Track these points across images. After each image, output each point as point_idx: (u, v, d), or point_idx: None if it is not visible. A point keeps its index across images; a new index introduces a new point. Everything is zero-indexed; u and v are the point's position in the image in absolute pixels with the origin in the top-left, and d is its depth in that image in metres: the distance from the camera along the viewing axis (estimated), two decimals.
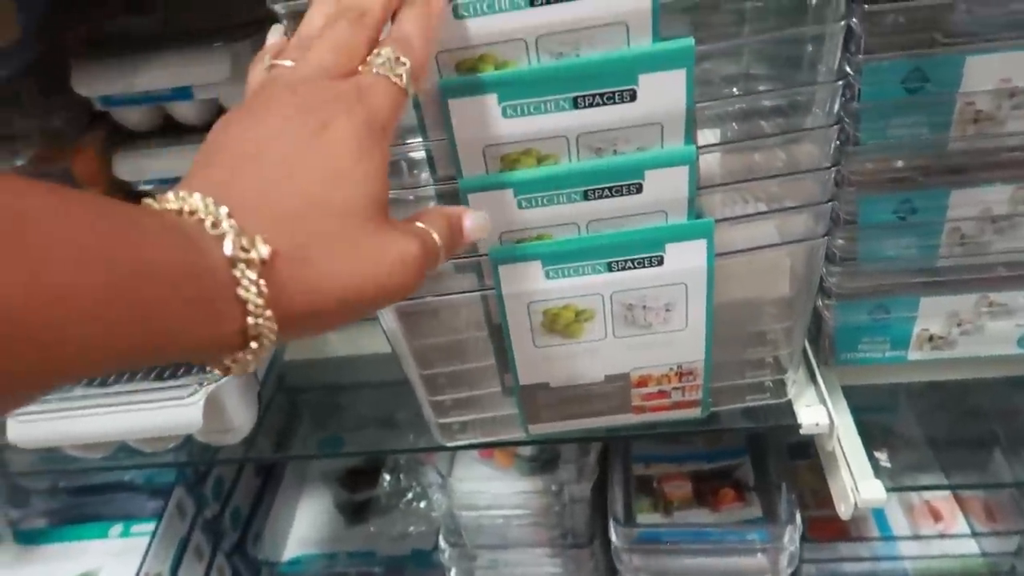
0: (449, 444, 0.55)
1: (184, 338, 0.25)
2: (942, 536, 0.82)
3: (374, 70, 0.31)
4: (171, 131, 0.70)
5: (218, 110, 0.68)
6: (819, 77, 0.42)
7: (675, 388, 0.51)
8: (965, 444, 0.69)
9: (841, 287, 0.58)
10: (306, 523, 1.01)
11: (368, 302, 0.29)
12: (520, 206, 0.42)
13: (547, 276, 0.44)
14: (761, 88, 0.46)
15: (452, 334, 0.50)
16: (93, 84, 0.65)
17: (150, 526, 0.84)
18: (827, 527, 0.83)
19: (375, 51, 0.32)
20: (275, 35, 0.38)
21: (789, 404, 0.54)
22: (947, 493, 0.87)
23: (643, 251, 0.43)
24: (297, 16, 0.39)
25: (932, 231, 0.57)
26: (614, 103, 0.39)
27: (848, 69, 0.48)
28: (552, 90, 0.39)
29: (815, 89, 0.42)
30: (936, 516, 0.86)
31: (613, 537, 0.70)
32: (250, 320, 0.26)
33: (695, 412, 0.53)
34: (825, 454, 0.57)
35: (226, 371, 0.28)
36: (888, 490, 0.54)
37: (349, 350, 0.71)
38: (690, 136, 0.41)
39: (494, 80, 0.38)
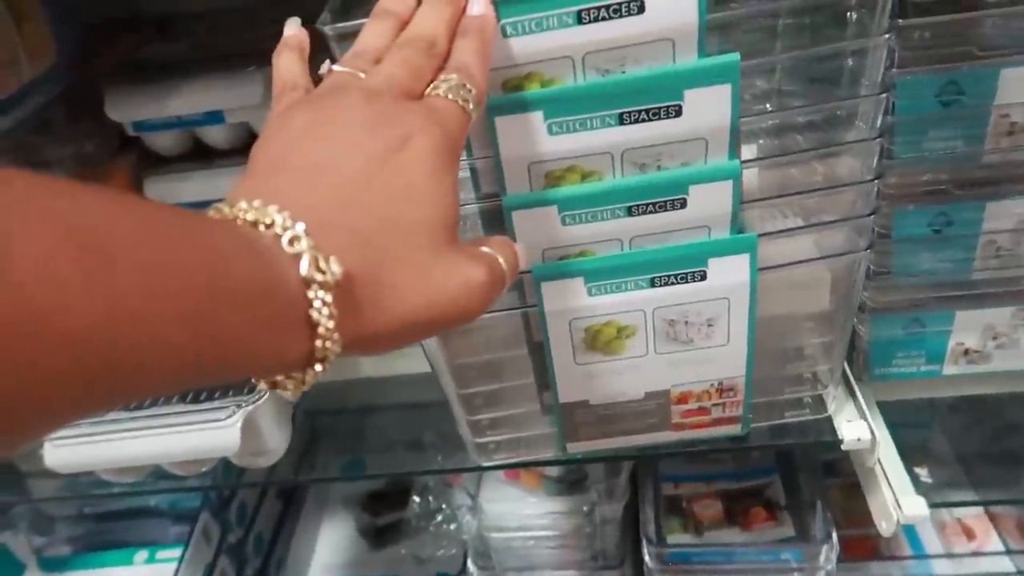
0: (486, 464, 0.55)
1: (250, 358, 0.24)
2: (976, 554, 0.81)
3: (443, 94, 0.31)
4: (201, 155, 0.71)
5: (249, 134, 0.69)
6: (861, 91, 0.42)
7: (715, 404, 0.51)
8: (1002, 460, 0.68)
9: (875, 301, 0.58)
10: (329, 548, 1.00)
11: (434, 325, 0.29)
12: (564, 223, 0.42)
13: (589, 293, 0.44)
14: (797, 103, 0.46)
15: (491, 352, 0.49)
16: (126, 109, 0.66)
17: (176, 552, 0.83)
18: (858, 546, 0.82)
19: (442, 77, 0.32)
20: (292, 28, 0.38)
21: (828, 420, 0.54)
22: (980, 511, 0.86)
23: (686, 266, 0.43)
24: (347, 38, 0.39)
25: (967, 244, 0.56)
26: (659, 119, 0.39)
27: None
28: (598, 107, 0.39)
29: (858, 103, 0.42)
30: (969, 534, 0.85)
31: (646, 558, 0.69)
32: (318, 343, 0.25)
33: (735, 429, 0.53)
34: (864, 471, 0.57)
35: (274, 387, 0.27)
36: (930, 506, 0.54)
37: (372, 372, 0.71)
38: (734, 151, 0.41)
39: (540, 98, 0.39)
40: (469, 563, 0.79)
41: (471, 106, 0.32)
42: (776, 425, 0.54)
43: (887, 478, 0.55)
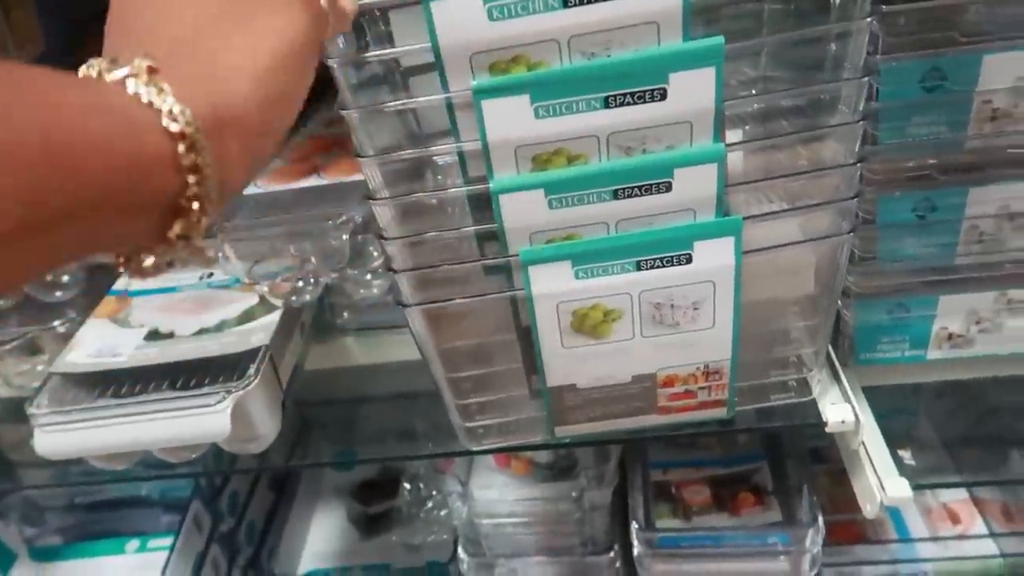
0: (475, 448, 0.55)
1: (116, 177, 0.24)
2: (961, 538, 0.82)
3: None
4: None
5: None
6: (844, 75, 0.42)
7: (701, 388, 0.51)
8: (985, 443, 0.69)
9: (860, 286, 0.59)
10: (320, 537, 1.01)
11: (279, 70, 0.30)
12: (551, 206, 0.42)
13: (576, 276, 0.45)
14: (781, 88, 0.47)
15: (479, 337, 0.50)
16: None
17: (167, 540, 0.83)
18: (845, 531, 0.83)
19: None
20: None
21: (813, 403, 0.54)
22: (965, 496, 0.87)
23: (672, 249, 0.44)
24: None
25: (950, 229, 0.57)
26: (645, 102, 0.39)
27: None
28: (584, 90, 0.39)
29: (840, 87, 0.42)
30: (954, 518, 0.86)
31: (635, 542, 0.70)
32: (173, 127, 0.25)
33: (721, 412, 0.53)
34: (849, 453, 0.57)
35: (174, 241, 0.27)
36: (914, 488, 0.54)
37: (364, 360, 0.71)
38: (719, 134, 0.41)
39: (527, 81, 0.39)
40: (459, 550, 0.79)
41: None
42: (761, 408, 0.54)
43: (871, 461, 0.55)
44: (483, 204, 0.43)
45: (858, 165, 0.44)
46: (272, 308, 0.61)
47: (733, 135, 0.46)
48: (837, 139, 0.45)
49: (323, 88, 0.76)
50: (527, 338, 0.48)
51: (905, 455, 0.58)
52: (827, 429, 0.53)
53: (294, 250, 0.54)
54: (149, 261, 0.27)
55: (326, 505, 1.05)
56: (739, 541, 0.71)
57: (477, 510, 0.73)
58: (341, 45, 0.41)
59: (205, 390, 0.54)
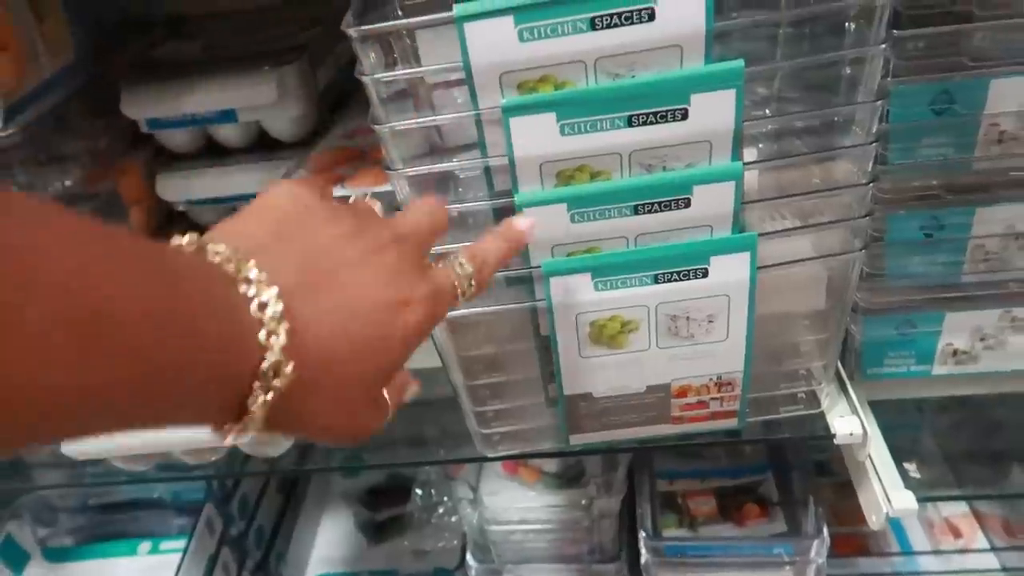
0: (491, 455, 0.57)
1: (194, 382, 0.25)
2: (962, 552, 0.83)
3: (453, 275, 0.35)
4: (213, 153, 0.72)
5: (260, 133, 0.71)
6: (858, 97, 0.44)
7: (714, 399, 0.52)
8: (988, 459, 0.70)
9: (868, 302, 0.60)
10: (328, 543, 1.02)
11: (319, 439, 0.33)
12: (573, 220, 0.44)
13: (596, 288, 0.46)
14: (796, 109, 0.48)
15: (499, 345, 0.51)
16: (141, 107, 0.68)
17: (179, 543, 0.84)
18: (848, 543, 0.84)
19: (462, 259, 0.35)
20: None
21: (822, 415, 0.56)
22: (967, 510, 0.88)
23: (689, 263, 0.45)
24: (369, 39, 0.41)
25: (957, 248, 0.59)
26: (667, 121, 0.41)
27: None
28: (608, 109, 0.41)
29: (855, 109, 0.44)
30: (956, 533, 0.87)
31: (642, 550, 0.71)
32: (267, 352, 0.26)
33: (732, 423, 0.54)
34: (855, 465, 0.58)
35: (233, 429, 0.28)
36: (919, 500, 0.56)
37: None
38: (737, 153, 0.43)
39: (554, 100, 0.40)
40: (468, 556, 0.80)
41: (464, 298, 0.35)
42: (771, 420, 0.56)
43: (877, 473, 0.57)
44: (507, 217, 0.44)
45: (870, 185, 0.45)
46: None
47: (748, 153, 0.47)
48: (849, 159, 0.46)
49: (343, 100, 0.77)
50: (545, 347, 0.50)
51: (911, 468, 0.59)
52: (836, 441, 0.54)
53: None
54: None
55: (334, 511, 1.06)
56: (745, 550, 0.72)
57: (487, 516, 0.74)
58: (372, 61, 0.43)
59: None
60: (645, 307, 0.47)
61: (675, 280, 0.46)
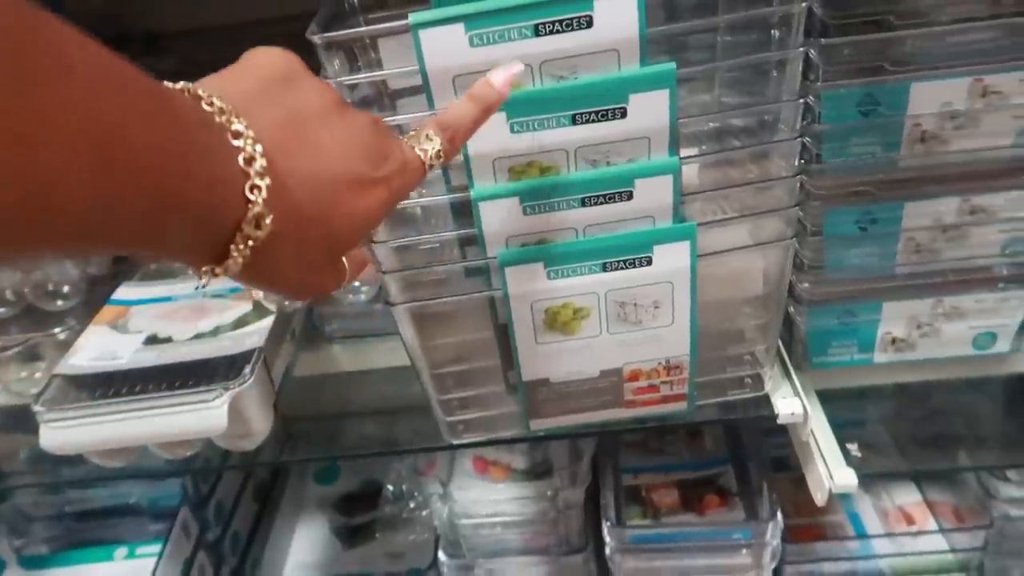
0: (456, 442, 0.59)
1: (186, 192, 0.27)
2: (913, 534, 0.87)
3: (421, 153, 0.37)
4: None
5: None
6: (783, 99, 0.48)
7: (664, 382, 0.56)
8: (928, 441, 0.74)
9: (811, 294, 0.64)
10: (303, 548, 1.04)
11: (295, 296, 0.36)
12: (525, 212, 0.47)
13: (548, 277, 0.49)
14: (727, 109, 0.52)
15: (460, 335, 0.54)
16: None
17: (155, 548, 0.86)
18: (807, 532, 0.88)
19: (430, 132, 0.37)
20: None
21: (767, 397, 0.59)
22: (919, 499, 0.93)
23: (634, 252, 0.49)
24: (332, 47, 0.44)
25: (890, 240, 0.63)
26: (607, 120, 0.45)
27: (809, 95, 0.54)
28: (554, 109, 0.44)
29: (780, 108, 0.48)
30: (909, 520, 0.91)
31: (607, 539, 0.74)
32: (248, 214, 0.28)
33: (682, 406, 0.58)
34: (800, 445, 0.62)
35: (224, 260, 0.30)
36: (859, 476, 0.59)
37: (349, 367, 0.75)
38: (674, 149, 0.46)
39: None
40: (440, 553, 0.82)
41: (431, 170, 0.38)
42: (721, 403, 0.59)
43: (820, 452, 0.60)
44: (464, 212, 0.48)
45: (797, 178, 0.49)
46: (265, 314, 0.65)
47: (688, 152, 0.51)
48: (780, 156, 0.50)
49: None
50: (504, 335, 0.53)
51: (852, 448, 0.63)
52: (778, 420, 0.58)
53: None
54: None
55: (309, 517, 1.07)
56: (705, 537, 0.75)
57: (456, 511, 0.76)
58: (336, 68, 0.46)
59: (202, 388, 0.58)
60: (595, 294, 0.50)
61: (622, 268, 0.49)
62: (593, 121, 0.45)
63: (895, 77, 0.56)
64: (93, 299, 0.72)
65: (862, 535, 0.86)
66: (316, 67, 0.47)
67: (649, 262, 0.49)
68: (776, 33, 0.48)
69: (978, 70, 0.55)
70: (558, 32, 0.42)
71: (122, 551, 0.88)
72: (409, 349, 0.54)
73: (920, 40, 0.55)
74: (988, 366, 0.68)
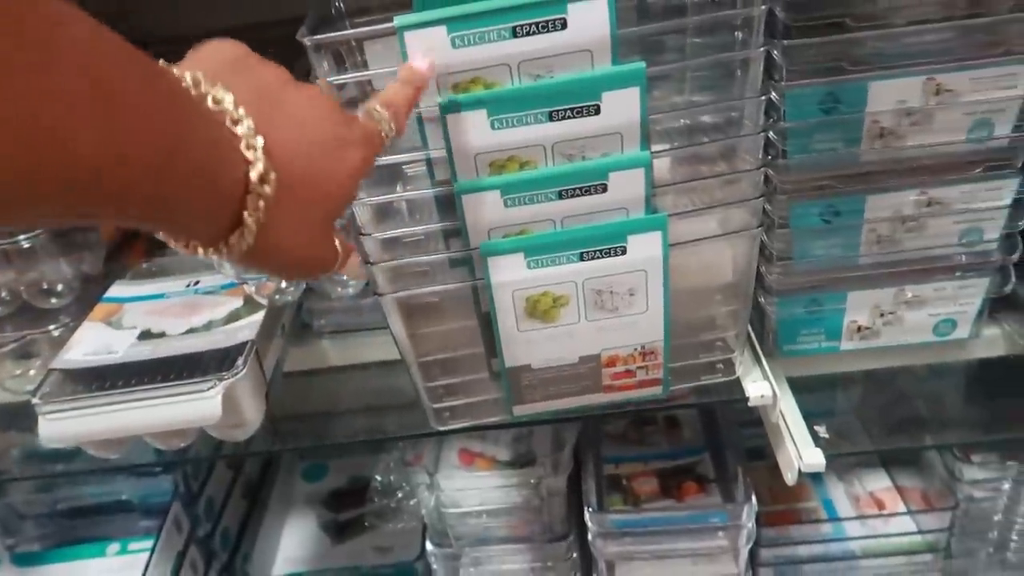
0: (442, 428, 0.62)
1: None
2: (884, 515, 0.91)
3: (377, 124, 0.40)
4: None
5: None
6: (747, 96, 0.51)
7: (640, 367, 0.59)
8: (897, 427, 0.78)
9: (780, 284, 0.67)
10: (293, 544, 1.05)
11: (294, 271, 0.38)
12: (506, 205, 0.50)
13: (528, 266, 0.52)
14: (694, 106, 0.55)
15: (446, 324, 0.57)
16: None
17: (147, 543, 0.88)
18: (783, 517, 0.91)
19: (378, 106, 0.40)
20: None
21: (737, 381, 0.62)
22: (890, 485, 0.96)
23: (609, 242, 0.52)
24: (321, 49, 0.47)
25: (853, 232, 0.66)
26: (582, 116, 0.48)
27: (773, 93, 0.58)
28: (531, 106, 0.47)
29: (744, 105, 0.51)
30: (880, 505, 0.94)
31: (589, 524, 0.76)
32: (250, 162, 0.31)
33: (657, 390, 0.61)
34: (771, 427, 0.65)
35: (237, 229, 0.32)
36: (826, 456, 0.62)
37: (337, 361, 0.77)
38: (645, 144, 0.49)
39: (484, 98, 0.47)
40: (427, 543, 0.85)
41: (388, 141, 0.41)
42: (695, 387, 0.62)
43: (790, 433, 0.63)
44: (448, 206, 0.50)
45: (761, 170, 0.52)
46: (256, 309, 0.67)
47: (661, 148, 0.54)
48: (745, 151, 0.53)
49: None
50: (487, 324, 0.55)
51: (820, 430, 0.66)
52: (749, 403, 0.61)
53: None
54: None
55: (298, 514, 1.09)
56: (684, 521, 0.78)
57: (444, 500, 0.79)
58: (326, 69, 0.49)
59: (197, 379, 0.60)
60: (573, 283, 0.53)
61: (598, 257, 0.52)
62: (568, 118, 0.48)
63: (854, 76, 0.59)
64: (86, 297, 0.74)
65: (834, 518, 0.89)
66: (306, 69, 0.50)
67: (624, 251, 0.52)
68: (739, 35, 0.51)
69: (931, 69, 0.59)
70: (534, 34, 0.45)
71: (114, 547, 0.90)
72: (397, 339, 0.57)
73: (877, 41, 0.58)
74: (949, 352, 0.72)
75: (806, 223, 0.65)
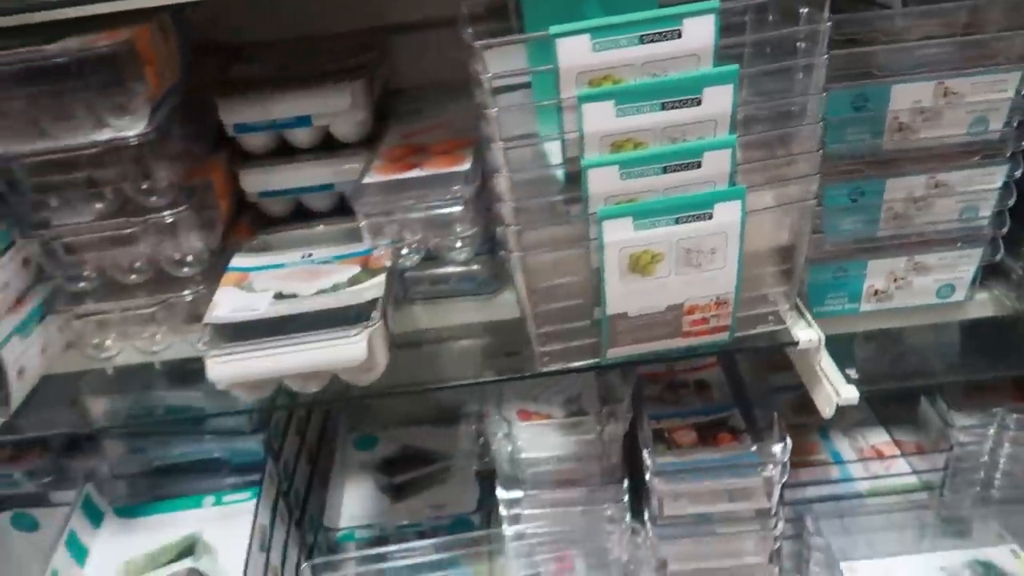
0: (544, 370, 0.74)
1: None
2: (884, 457, 1.05)
3: None
4: (280, 153, 0.88)
5: (326, 136, 0.87)
6: (810, 92, 0.64)
7: (713, 315, 0.71)
8: (902, 376, 0.92)
9: (812, 253, 0.81)
10: (354, 503, 1.15)
11: None
12: (622, 178, 0.63)
13: (635, 228, 0.65)
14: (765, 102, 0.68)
15: (559, 279, 0.69)
16: (235, 114, 0.83)
17: (239, 495, 0.98)
18: (795, 465, 1.05)
19: None
20: None
21: (787, 330, 0.75)
22: (888, 439, 1.11)
23: (700, 208, 0.64)
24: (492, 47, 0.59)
25: (874, 210, 0.80)
26: (687, 107, 0.60)
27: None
28: (649, 98, 0.60)
29: (807, 100, 0.64)
30: (880, 455, 1.09)
31: (647, 462, 0.89)
32: None
33: (724, 336, 0.74)
34: (809, 370, 0.78)
35: None
36: (860, 392, 0.76)
37: (430, 324, 0.87)
38: (733, 129, 0.62)
39: (612, 92, 0.59)
40: (498, 488, 0.96)
41: None
42: (751, 335, 0.75)
43: (827, 374, 0.77)
44: (575, 175, 0.63)
45: (819, 152, 0.65)
46: (373, 274, 0.78)
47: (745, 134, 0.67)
48: (804, 138, 0.67)
49: (386, 113, 0.94)
50: (595, 277, 0.68)
51: (851, 372, 0.79)
52: (799, 347, 0.74)
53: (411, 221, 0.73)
54: None
55: (356, 478, 1.19)
56: (725, 460, 0.91)
57: (519, 446, 0.90)
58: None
59: (341, 328, 0.71)
60: (668, 242, 0.66)
61: (690, 221, 0.65)
62: (677, 108, 0.60)
63: (880, 80, 0.73)
64: (210, 268, 0.84)
65: (839, 461, 1.03)
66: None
67: (711, 216, 0.65)
68: (802, 45, 0.64)
69: (941, 75, 0.73)
70: (656, 41, 0.58)
71: (210, 499, 0.99)
72: (519, 289, 0.69)
73: (899, 53, 0.73)
74: (948, 312, 0.86)
75: (836, 202, 0.79)
